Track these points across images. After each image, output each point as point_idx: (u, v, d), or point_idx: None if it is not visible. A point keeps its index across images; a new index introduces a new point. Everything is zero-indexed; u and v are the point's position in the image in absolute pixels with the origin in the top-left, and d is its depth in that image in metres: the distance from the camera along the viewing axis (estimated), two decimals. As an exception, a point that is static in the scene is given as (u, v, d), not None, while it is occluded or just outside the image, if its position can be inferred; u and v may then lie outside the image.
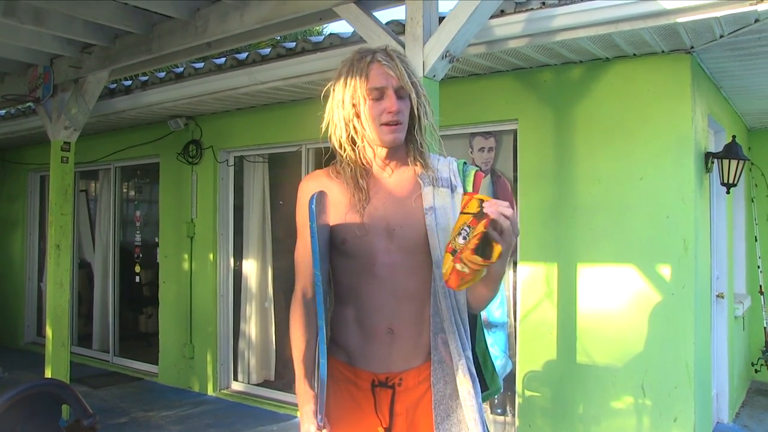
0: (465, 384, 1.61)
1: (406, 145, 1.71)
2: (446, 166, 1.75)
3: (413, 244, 1.64)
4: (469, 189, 1.73)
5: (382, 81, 1.59)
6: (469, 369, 1.62)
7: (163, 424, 5.13)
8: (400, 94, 1.61)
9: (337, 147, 1.69)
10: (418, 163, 1.70)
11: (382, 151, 1.68)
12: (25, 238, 8.28)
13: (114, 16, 3.91)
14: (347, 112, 1.63)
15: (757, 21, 3.14)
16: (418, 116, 1.68)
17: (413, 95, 1.64)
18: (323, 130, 1.70)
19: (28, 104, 5.84)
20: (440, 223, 1.63)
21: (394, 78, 1.59)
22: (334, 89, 1.66)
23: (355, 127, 1.64)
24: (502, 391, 4.41)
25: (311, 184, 1.75)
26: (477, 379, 1.65)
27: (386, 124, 1.61)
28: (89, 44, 4.50)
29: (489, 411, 4.53)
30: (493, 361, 1.89)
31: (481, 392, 1.83)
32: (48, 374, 4.87)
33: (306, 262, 1.71)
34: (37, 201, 8.29)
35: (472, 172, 1.76)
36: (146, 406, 5.59)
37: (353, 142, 1.66)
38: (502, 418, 4.49)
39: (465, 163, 1.79)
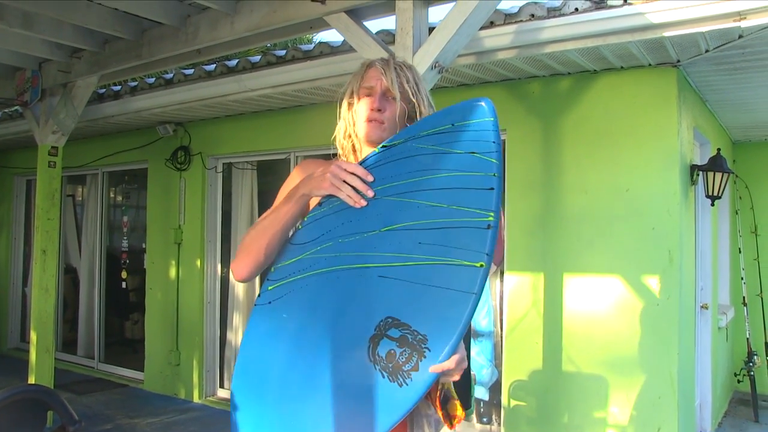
0: None
1: None
2: None
3: None
4: None
5: (373, 81, 1.71)
6: None
7: (148, 431, 5.09)
8: (387, 96, 1.70)
9: (336, 142, 1.80)
10: None
11: (366, 149, 1.72)
12: (10, 242, 8.20)
13: (104, 21, 3.89)
14: (345, 107, 1.77)
15: (741, 37, 3.21)
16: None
17: (400, 101, 1.68)
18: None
19: (15, 108, 5.80)
20: None
21: (383, 81, 1.70)
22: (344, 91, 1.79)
23: (350, 122, 1.76)
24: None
25: (310, 165, 1.76)
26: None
27: (367, 120, 1.69)
28: (79, 49, 4.48)
29: (475, 420, 4.54)
30: (471, 384, 1.96)
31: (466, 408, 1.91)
32: (32, 380, 4.82)
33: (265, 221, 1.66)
34: (23, 205, 8.21)
35: None
36: (131, 413, 5.54)
37: (349, 137, 1.78)
38: (488, 426, 4.50)
39: None
